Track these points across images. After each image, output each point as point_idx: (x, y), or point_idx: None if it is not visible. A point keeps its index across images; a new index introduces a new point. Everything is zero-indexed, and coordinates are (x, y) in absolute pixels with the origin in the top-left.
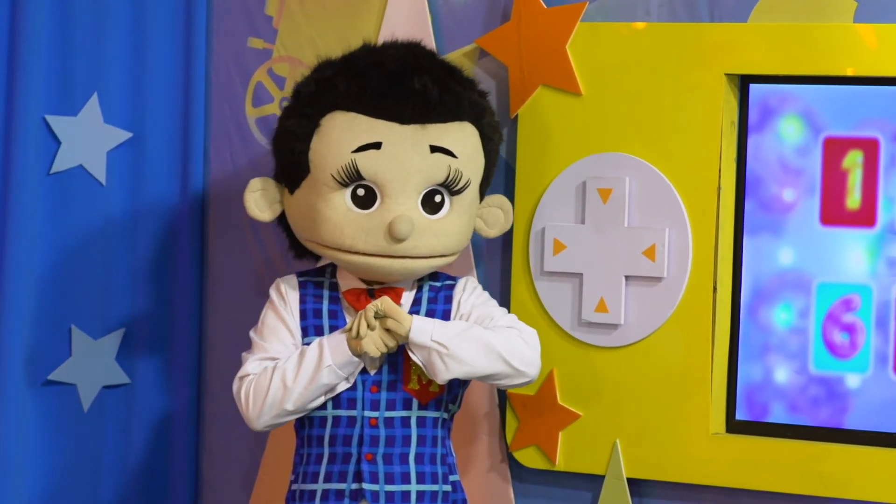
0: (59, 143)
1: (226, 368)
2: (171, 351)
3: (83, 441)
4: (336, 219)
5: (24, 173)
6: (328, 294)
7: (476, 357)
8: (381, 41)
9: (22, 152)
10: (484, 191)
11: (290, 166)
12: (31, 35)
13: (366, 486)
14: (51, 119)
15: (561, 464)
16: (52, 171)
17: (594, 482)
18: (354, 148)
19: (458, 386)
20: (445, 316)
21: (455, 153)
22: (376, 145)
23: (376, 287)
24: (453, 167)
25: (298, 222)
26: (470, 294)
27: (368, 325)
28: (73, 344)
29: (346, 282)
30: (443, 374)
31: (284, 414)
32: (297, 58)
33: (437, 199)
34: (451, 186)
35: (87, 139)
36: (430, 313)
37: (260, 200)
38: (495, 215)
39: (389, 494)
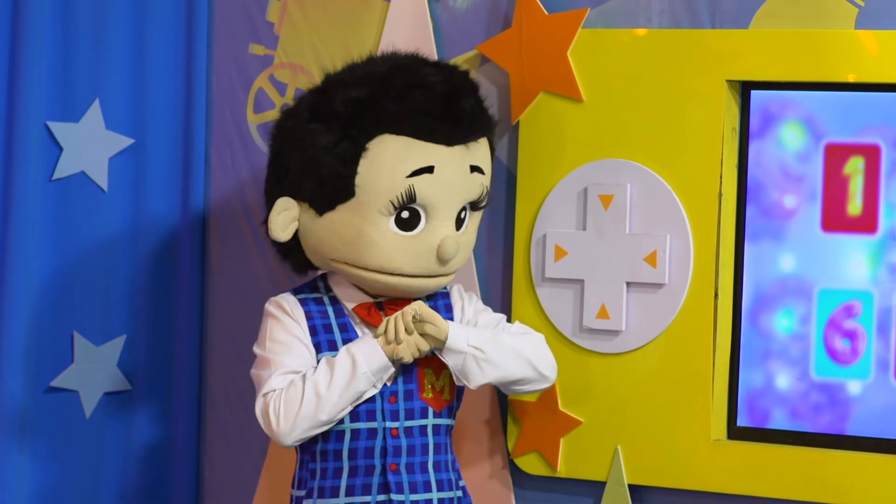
0: (60, 149)
1: (227, 375)
2: (172, 357)
3: (85, 448)
4: (383, 243)
5: (26, 180)
6: (332, 308)
7: (508, 362)
8: (382, 49)
9: (23, 159)
10: None
11: (330, 189)
12: (33, 41)
13: (394, 496)
14: (52, 125)
15: (562, 470)
16: (54, 177)
17: (595, 489)
18: (409, 173)
19: (462, 391)
20: None
21: (484, 170)
22: (429, 169)
23: (383, 300)
24: (484, 184)
25: (328, 244)
26: (469, 301)
27: (406, 330)
28: (76, 350)
29: (348, 295)
30: (477, 379)
31: (318, 425)
32: (299, 64)
33: (463, 215)
34: (479, 203)
35: (89, 145)
36: None
37: (283, 221)
38: None
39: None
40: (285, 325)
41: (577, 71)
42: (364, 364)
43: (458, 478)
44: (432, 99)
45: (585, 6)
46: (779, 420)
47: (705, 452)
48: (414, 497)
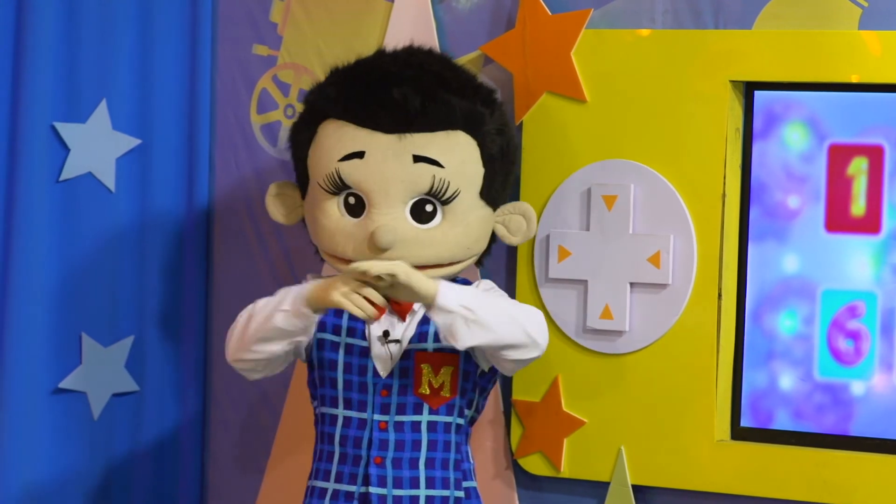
0: (67, 150)
1: (232, 375)
2: (179, 358)
3: (93, 449)
4: (330, 226)
5: (33, 181)
6: None
7: (499, 324)
8: (386, 48)
9: (30, 159)
10: (498, 197)
11: (297, 173)
12: (39, 42)
13: (373, 489)
14: (59, 126)
15: (566, 471)
16: (61, 178)
17: (599, 489)
18: (340, 157)
19: (471, 390)
20: None
21: (441, 163)
22: (359, 154)
23: None
24: (438, 177)
25: (308, 226)
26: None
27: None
28: (84, 352)
29: None
30: (465, 340)
31: (243, 347)
32: (302, 64)
33: (428, 208)
34: (437, 196)
35: (96, 146)
36: None
37: (279, 204)
38: (517, 222)
39: (397, 499)
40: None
41: (580, 71)
42: (288, 302)
43: (464, 478)
44: (364, 85)
45: (589, 6)
46: (782, 421)
47: (709, 453)
48: (398, 492)
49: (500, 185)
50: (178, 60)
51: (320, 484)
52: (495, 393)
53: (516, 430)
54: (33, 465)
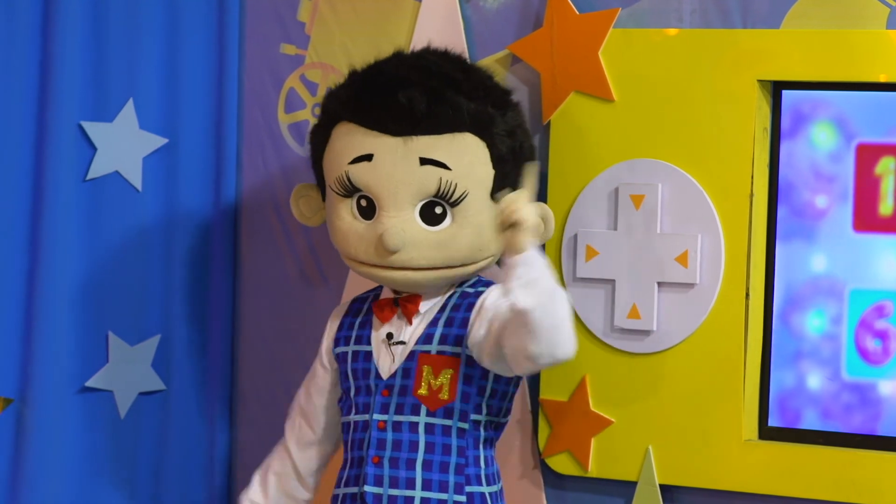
0: (94, 149)
1: (259, 374)
2: (206, 357)
3: (119, 448)
4: (343, 228)
5: (60, 180)
6: (367, 306)
7: (552, 313)
8: (413, 48)
9: (57, 159)
10: None
11: (316, 176)
12: (66, 41)
13: (368, 488)
14: (86, 125)
15: (593, 470)
16: (88, 177)
17: (627, 489)
18: (349, 160)
19: (477, 395)
20: (464, 324)
21: (448, 165)
22: (368, 157)
23: (402, 296)
24: (445, 179)
25: (328, 229)
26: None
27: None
28: (110, 350)
29: (385, 292)
30: (519, 298)
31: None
32: (330, 64)
33: (437, 210)
34: (445, 198)
35: (123, 145)
36: (450, 321)
37: (304, 207)
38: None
39: (392, 499)
40: (322, 342)
41: (608, 71)
42: None
43: (467, 483)
44: (375, 88)
45: (617, 6)
46: (810, 420)
47: (736, 452)
48: (393, 492)
49: (511, 187)
50: (206, 60)
51: (335, 491)
52: (522, 392)
53: (544, 430)
54: (60, 463)
